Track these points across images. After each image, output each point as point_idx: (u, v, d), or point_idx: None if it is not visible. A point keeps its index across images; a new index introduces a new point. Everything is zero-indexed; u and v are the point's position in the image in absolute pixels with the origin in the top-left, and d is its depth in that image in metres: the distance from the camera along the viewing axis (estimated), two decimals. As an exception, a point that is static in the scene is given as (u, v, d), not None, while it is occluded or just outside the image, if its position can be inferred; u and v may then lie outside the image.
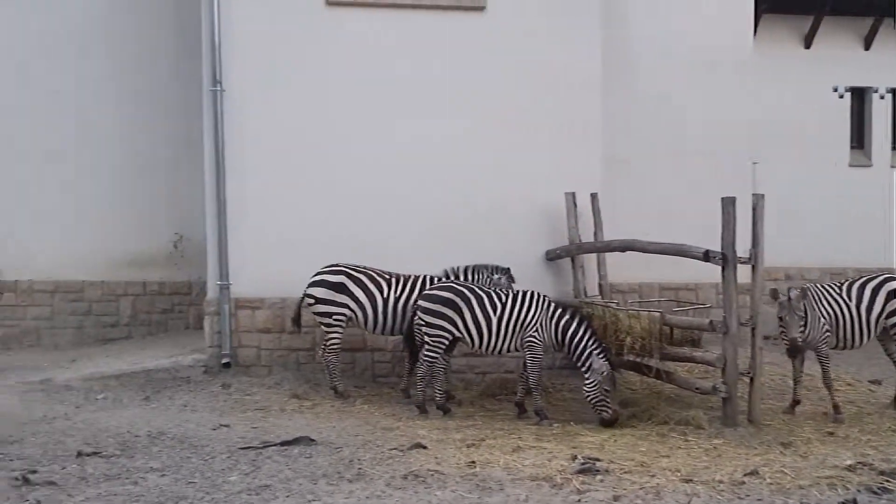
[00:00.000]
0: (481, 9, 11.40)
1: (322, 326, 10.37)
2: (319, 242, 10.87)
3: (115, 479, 6.84)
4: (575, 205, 11.28)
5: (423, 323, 9.67)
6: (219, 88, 10.94)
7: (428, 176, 11.25)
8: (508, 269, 10.62)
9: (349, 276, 10.31)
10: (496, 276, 10.50)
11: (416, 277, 10.39)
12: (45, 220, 13.08)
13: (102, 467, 7.15)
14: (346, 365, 11.02)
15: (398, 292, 10.30)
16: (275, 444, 7.94)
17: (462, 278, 10.42)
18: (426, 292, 9.84)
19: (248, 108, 11.04)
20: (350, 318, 10.30)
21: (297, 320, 10.42)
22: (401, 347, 10.62)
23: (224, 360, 10.95)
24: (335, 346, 10.31)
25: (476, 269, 10.54)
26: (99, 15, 13.11)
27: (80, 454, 7.50)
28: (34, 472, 6.92)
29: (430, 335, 9.65)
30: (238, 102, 11.00)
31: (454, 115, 11.31)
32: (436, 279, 10.34)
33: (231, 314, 10.99)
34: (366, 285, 10.30)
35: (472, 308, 9.57)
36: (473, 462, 7.35)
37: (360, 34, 11.23)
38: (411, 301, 10.21)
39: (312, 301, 10.31)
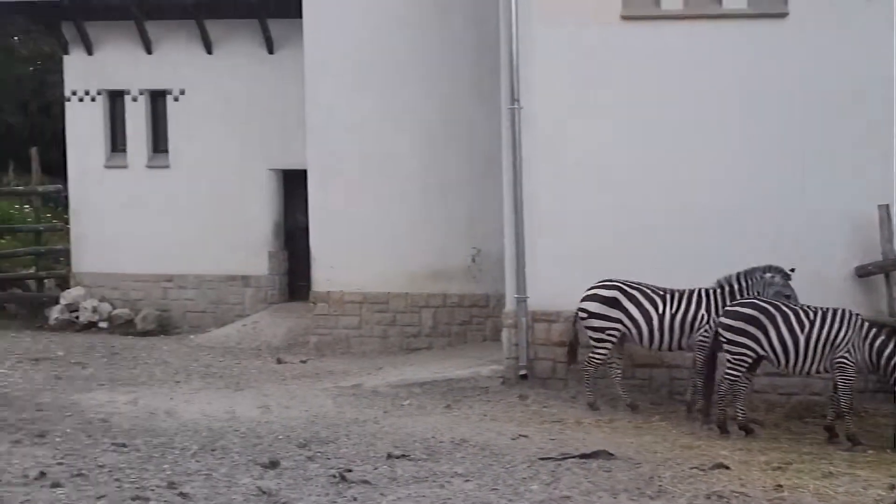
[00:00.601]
0: (783, 15, 10.94)
1: (591, 341, 10.39)
2: (613, 257, 10.84)
3: (423, 481, 7.13)
4: (889, 217, 10.54)
5: (724, 340, 9.40)
6: (516, 106, 11.18)
7: (725, 189, 10.92)
8: (782, 268, 10.02)
9: (623, 291, 10.27)
10: (768, 276, 9.94)
11: (692, 292, 10.16)
12: (356, 235, 13.88)
13: (411, 470, 7.47)
14: (642, 381, 10.94)
15: (674, 308, 10.12)
16: (574, 457, 7.98)
17: (735, 286, 10.03)
18: (728, 309, 9.57)
19: (543, 125, 11.20)
20: (624, 334, 10.27)
21: (574, 340, 10.53)
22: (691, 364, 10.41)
23: (521, 373, 11.15)
24: (598, 361, 10.35)
25: (747, 274, 10.05)
26: (412, 35, 13.75)
27: (389, 456, 7.88)
28: (349, 470, 7.35)
29: (732, 353, 9.37)
30: (534, 119, 11.19)
31: (752, 125, 10.93)
32: (710, 291, 10.07)
33: (528, 327, 11.16)
34: (640, 301, 10.21)
35: (778, 326, 9.19)
36: (780, 486, 7.05)
37: (656, 47, 11.09)
38: (688, 317, 10.03)
39: (585, 315, 10.35)
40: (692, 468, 7.68)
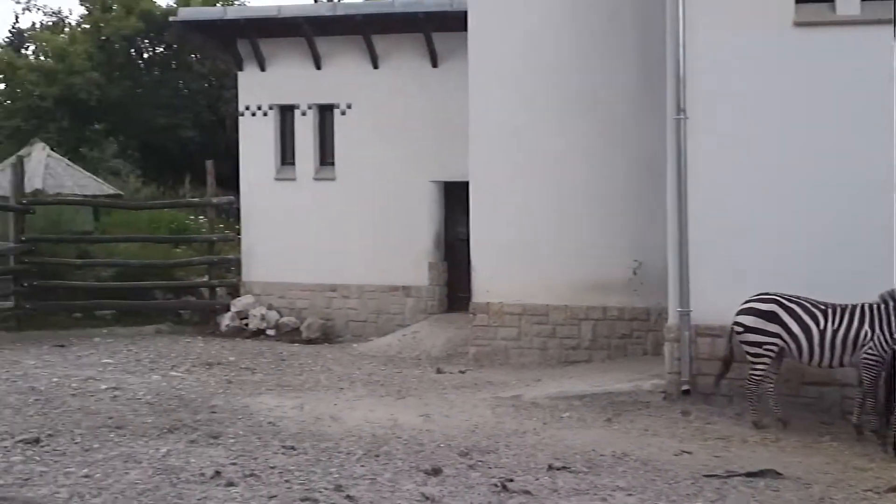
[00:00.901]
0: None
1: (748, 356, 10.13)
2: (779, 272, 10.52)
3: (584, 493, 7.10)
4: None
5: (903, 358, 9.02)
6: (682, 117, 11.01)
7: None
8: None
9: (781, 305, 9.96)
10: None
11: (854, 307, 9.74)
12: (516, 247, 13.92)
13: (571, 482, 7.46)
14: (811, 399, 10.56)
15: (835, 324, 9.73)
16: (739, 475, 7.80)
17: None
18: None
19: (710, 135, 10.99)
20: (782, 349, 9.97)
21: (729, 355, 10.34)
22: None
23: (684, 388, 10.93)
24: (759, 377, 10.08)
25: None
26: (575, 46, 13.72)
27: (550, 467, 7.88)
28: (511, 480, 7.40)
29: (911, 371, 8.97)
30: (700, 129, 10.99)
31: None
32: (873, 306, 9.64)
33: (691, 341, 10.96)
34: (799, 316, 9.87)
35: (960, 344, 8.74)
36: (965, 513, 6.70)
37: (831, 53, 10.73)
38: (850, 333, 9.63)
39: (741, 329, 10.10)
40: (866, 490, 7.40)
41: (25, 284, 16.66)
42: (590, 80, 13.67)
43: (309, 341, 16.48)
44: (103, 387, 11.21)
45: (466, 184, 14.44)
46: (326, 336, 16.90)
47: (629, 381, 11.56)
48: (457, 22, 14.76)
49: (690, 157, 11.00)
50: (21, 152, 21.73)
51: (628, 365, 12.85)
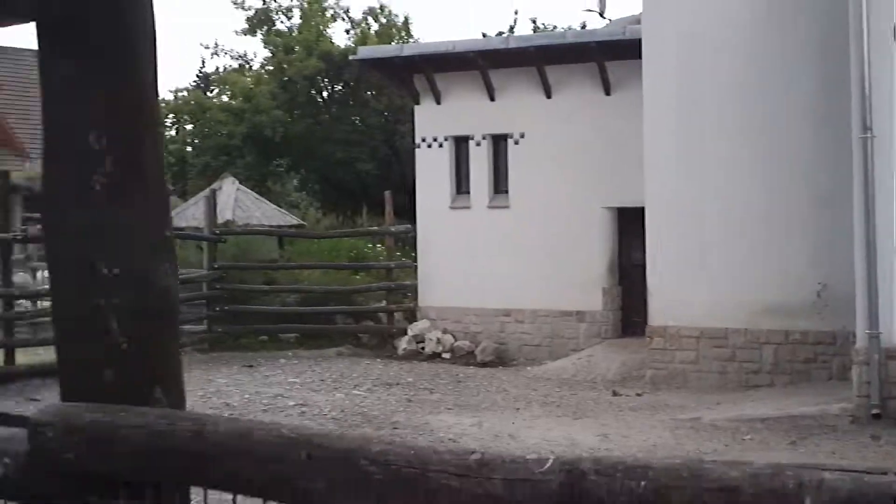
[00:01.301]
0: None
1: None
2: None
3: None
4: None
5: None
6: (869, 135, 10.72)
7: None
8: None
9: None
10: None
11: None
12: (694, 270, 13.79)
13: None
14: None
15: None
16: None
17: None
18: None
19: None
20: None
21: None
22: None
23: (874, 411, 10.57)
24: None
25: None
26: (749, 68, 13.57)
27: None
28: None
29: None
30: (889, 148, 10.69)
31: None
32: None
33: (881, 364, 10.59)
34: None
35: None
36: None
37: None
38: None
39: None
40: None
41: (217, 309, 17.57)
42: (766, 101, 13.46)
43: (483, 364, 16.69)
44: (291, 403, 11.73)
45: (641, 209, 14.41)
46: (500, 359, 17.07)
47: (814, 404, 11.26)
48: (630, 50, 14.81)
49: (878, 175, 10.69)
50: (214, 186, 23.02)
51: (812, 389, 12.48)
